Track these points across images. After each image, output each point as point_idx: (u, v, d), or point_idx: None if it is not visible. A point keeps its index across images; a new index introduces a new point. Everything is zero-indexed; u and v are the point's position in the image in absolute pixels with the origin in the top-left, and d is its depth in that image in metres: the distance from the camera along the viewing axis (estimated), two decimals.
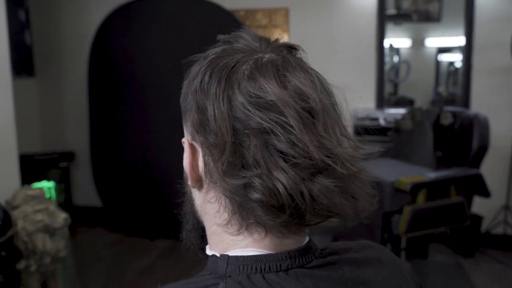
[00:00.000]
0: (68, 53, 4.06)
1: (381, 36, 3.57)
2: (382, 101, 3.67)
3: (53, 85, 4.16)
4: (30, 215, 2.04)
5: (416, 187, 2.12)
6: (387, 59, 4.01)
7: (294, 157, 0.48)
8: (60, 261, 2.20)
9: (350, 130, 0.57)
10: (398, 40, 4.31)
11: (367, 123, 3.44)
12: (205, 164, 0.53)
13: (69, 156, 4.07)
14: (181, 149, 0.56)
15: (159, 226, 3.61)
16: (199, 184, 0.55)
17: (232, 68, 0.51)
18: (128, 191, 3.74)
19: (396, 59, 4.43)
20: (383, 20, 3.56)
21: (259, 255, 0.52)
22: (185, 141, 0.55)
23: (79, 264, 3.41)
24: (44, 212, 2.07)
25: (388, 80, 4.16)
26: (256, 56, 0.52)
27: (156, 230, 3.64)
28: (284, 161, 0.48)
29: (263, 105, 0.49)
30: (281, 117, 0.48)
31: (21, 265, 2.06)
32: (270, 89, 0.49)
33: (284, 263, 0.52)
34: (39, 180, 3.84)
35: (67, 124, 4.21)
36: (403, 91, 4.37)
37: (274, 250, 0.52)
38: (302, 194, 0.48)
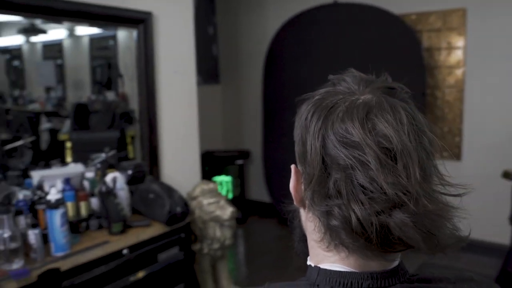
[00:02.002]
0: (247, 62, 4.49)
1: None
2: None
3: (234, 91, 4.65)
4: (205, 206, 2.38)
5: None
6: None
7: (371, 192, 0.53)
8: (227, 248, 2.50)
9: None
10: None
11: None
12: (304, 189, 0.62)
13: (245, 155, 4.50)
14: None
15: None
16: (302, 204, 0.63)
17: (329, 109, 0.57)
18: None
19: None
20: None
21: (344, 271, 0.57)
22: (292, 167, 0.65)
23: (246, 252, 3.76)
24: (216, 204, 2.38)
25: None
26: (352, 98, 0.57)
27: None
28: (364, 194, 0.53)
29: (349, 144, 0.53)
30: (362, 156, 0.52)
31: (196, 246, 2.41)
32: (355, 131, 0.54)
33: (365, 282, 0.56)
34: (219, 174, 4.35)
35: (244, 126, 4.66)
36: None
37: (358, 270, 0.57)
38: (372, 225, 0.53)
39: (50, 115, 3.00)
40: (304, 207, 0.62)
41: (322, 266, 0.59)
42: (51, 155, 2.79)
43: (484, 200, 3.39)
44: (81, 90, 3.38)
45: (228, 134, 4.75)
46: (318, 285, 0.58)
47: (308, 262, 0.64)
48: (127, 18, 2.33)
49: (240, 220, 4.26)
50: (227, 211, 2.35)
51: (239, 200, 4.38)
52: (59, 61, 3.14)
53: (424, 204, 0.52)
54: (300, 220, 0.68)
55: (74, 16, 2.14)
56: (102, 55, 3.25)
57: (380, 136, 0.53)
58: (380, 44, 3.48)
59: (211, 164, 4.32)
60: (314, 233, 0.61)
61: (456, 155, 3.57)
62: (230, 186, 4.37)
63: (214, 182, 2.55)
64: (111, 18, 2.28)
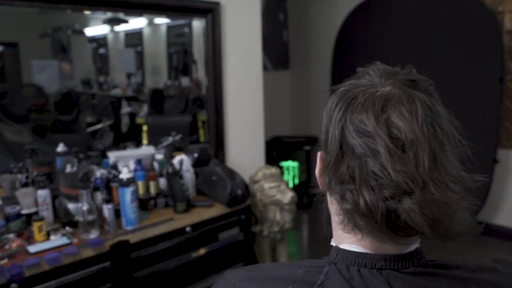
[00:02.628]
0: (316, 48, 4.48)
1: None
2: None
3: (304, 77, 4.66)
4: (266, 190, 2.46)
5: None
6: None
7: (381, 178, 0.56)
8: (286, 231, 2.57)
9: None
10: None
11: None
12: (323, 173, 0.66)
13: (313, 141, 4.52)
14: None
15: None
16: (326, 188, 0.69)
17: (350, 101, 0.61)
18: None
19: None
20: None
21: (359, 252, 0.61)
22: (319, 154, 0.69)
23: (310, 237, 3.82)
24: (277, 188, 2.46)
25: None
26: (372, 90, 0.60)
27: None
28: (375, 180, 0.57)
29: (364, 133, 0.57)
30: (374, 145, 0.56)
31: (256, 228, 2.52)
32: (369, 122, 0.57)
33: (378, 263, 0.60)
34: (286, 159, 4.42)
35: (313, 112, 4.67)
36: None
37: (373, 251, 0.60)
38: (379, 209, 0.56)
39: (130, 99, 3.23)
40: (327, 191, 0.67)
41: (341, 246, 0.64)
42: (130, 137, 3.03)
43: None
44: (158, 76, 3.58)
45: (296, 120, 4.79)
46: (336, 264, 0.62)
47: (331, 243, 0.69)
48: (196, 8, 2.45)
49: (305, 205, 4.31)
50: (287, 196, 2.42)
51: (305, 185, 4.42)
52: (138, 49, 3.36)
53: (431, 192, 0.54)
54: (326, 204, 0.72)
55: (149, 9, 2.30)
56: (178, 42, 3.41)
57: (393, 127, 0.56)
58: (455, 28, 3.31)
59: (279, 149, 4.40)
60: (335, 215, 0.66)
61: None
62: (296, 171, 4.43)
63: (276, 167, 2.62)
64: (182, 9, 2.41)
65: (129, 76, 3.36)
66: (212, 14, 2.47)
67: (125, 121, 3.21)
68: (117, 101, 3.23)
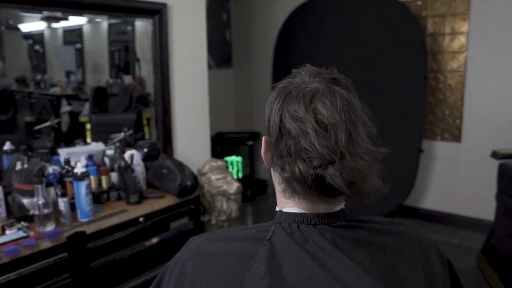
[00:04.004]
0: (258, 47, 4.69)
1: None
2: None
3: (246, 74, 4.86)
4: (213, 181, 2.63)
5: None
6: None
7: (311, 152, 0.75)
8: (233, 220, 2.76)
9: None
10: None
11: None
12: (266, 152, 0.84)
13: (255, 136, 4.72)
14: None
15: None
16: (269, 165, 0.87)
17: (287, 95, 0.78)
18: None
19: None
20: None
21: (298, 212, 0.79)
22: (263, 138, 0.88)
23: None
24: (223, 180, 2.63)
25: None
26: (302, 86, 0.78)
27: None
28: (306, 154, 0.75)
29: (297, 119, 0.75)
30: (305, 127, 0.74)
31: (204, 218, 2.68)
32: (300, 110, 0.76)
33: (313, 220, 0.78)
34: (230, 154, 4.60)
35: (255, 108, 4.88)
36: None
37: (309, 211, 0.78)
38: (310, 176, 0.75)
39: (70, 98, 3.22)
40: (270, 167, 0.85)
41: (284, 210, 0.82)
42: (71, 136, 3.04)
43: (482, 180, 3.57)
44: (99, 74, 3.58)
45: (239, 116, 4.98)
46: (280, 223, 0.80)
47: (276, 209, 0.87)
48: (144, 9, 2.56)
49: (249, 198, 4.52)
50: (233, 186, 2.60)
51: (248, 179, 4.63)
52: (78, 46, 3.34)
53: (348, 161, 0.73)
54: (271, 178, 0.89)
55: (96, 9, 2.38)
56: (120, 39, 3.43)
57: (319, 113, 0.74)
58: (384, 31, 3.65)
59: (223, 145, 4.57)
60: (278, 185, 0.83)
61: (456, 137, 3.74)
62: (240, 166, 4.62)
63: (222, 159, 2.79)
64: (129, 9, 2.52)
65: (68, 74, 3.33)
66: (159, 15, 2.60)
67: (65, 120, 3.21)
68: (56, 99, 3.22)
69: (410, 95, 3.58)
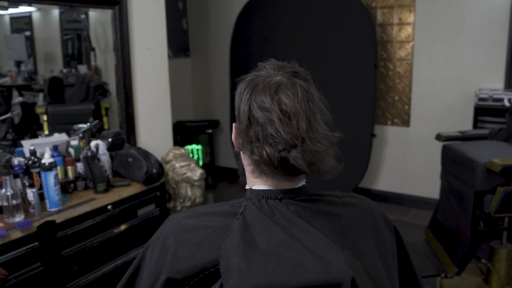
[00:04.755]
0: (215, 36, 4.76)
1: None
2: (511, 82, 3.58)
3: (204, 63, 4.93)
4: (177, 169, 2.72)
5: (507, 170, 2.23)
6: None
7: (276, 138, 0.85)
8: (197, 205, 2.86)
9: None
10: None
11: (490, 103, 3.44)
12: (237, 137, 0.96)
13: (215, 124, 4.82)
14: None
15: None
16: (239, 149, 0.99)
17: (254, 87, 0.89)
18: None
19: None
20: None
21: (266, 189, 0.91)
22: (234, 124, 0.99)
23: None
24: (187, 167, 2.73)
25: None
26: (268, 79, 0.89)
27: None
28: (272, 139, 0.85)
29: (263, 108, 0.86)
30: (271, 116, 0.85)
31: (170, 204, 2.77)
32: (266, 101, 0.87)
33: (279, 195, 0.90)
34: (190, 143, 4.67)
35: (214, 96, 4.96)
36: None
37: (275, 188, 0.91)
38: (276, 158, 0.88)
39: (22, 89, 3.17)
40: (240, 150, 0.97)
41: (254, 187, 0.93)
42: (24, 128, 3.00)
43: (429, 161, 3.85)
44: (52, 63, 3.53)
45: (198, 104, 5.05)
46: (251, 199, 0.92)
47: (246, 187, 0.99)
48: (104, 0, 2.58)
49: (210, 185, 4.62)
50: (197, 172, 2.70)
51: (209, 167, 4.73)
52: (27, 33, 3.27)
53: (307, 144, 0.85)
54: (241, 161, 1.01)
55: (56, 1, 2.38)
56: (73, 27, 3.41)
57: (283, 103, 0.85)
58: (336, 22, 3.82)
59: (183, 134, 4.63)
60: (247, 166, 0.95)
61: (405, 122, 4.00)
62: (200, 154, 4.71)
63: (185, 148, 2.88)
64: (89, 0, 2.53)
65: (18, 63, 3.28)
66: (119, 5, 2.63)
67: (17, 111, 3.16)
68: (6, 90, 3.16)
69: (362, 83, 3.79)
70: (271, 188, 0.91)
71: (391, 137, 4.11)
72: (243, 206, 0.91)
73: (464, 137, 2.81)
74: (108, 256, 2.24)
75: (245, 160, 0.96)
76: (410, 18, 3.84)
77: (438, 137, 2.82)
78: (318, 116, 0.90)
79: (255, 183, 0.93)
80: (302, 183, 0.94)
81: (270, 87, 0.87)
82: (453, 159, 2.61)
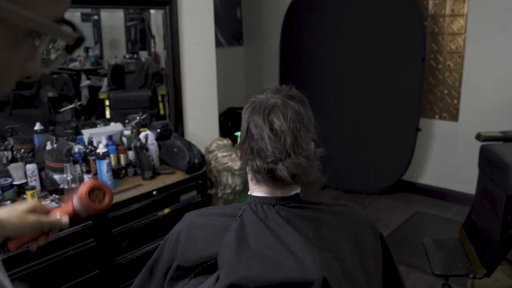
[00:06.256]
0: (268, 25, 4.92)
1: None
2: None
3: (256, 52, 5.11)
4: (219, 158, 2.95)
5: None
6: None
7: (266, 151, 1.01)
8: (237, 193, 3.10)
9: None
10: None
11: None
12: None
13: None
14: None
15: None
16: (240, 159, 1.17)
17: (253, 108, 1.07)
18: None
19: None
20: None
21: (262, 196, 1.08)
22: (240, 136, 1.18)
23: None
24: (228, 157, 2.96)
25: None
26: (265, 101, 1.05)
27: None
28: (264, 153, 1.02)
29: (258, 126, 1.02)
30: (262, 133, 1.02)
31: (211, 191, 3.02)
32: (259, 120, 1.04)
33: (272, 202, 1.07)
34: (240, 129, 4.91)
35: (264, 83, 5.14)
36: None
37: (270, 195, 1.07)
38: (264, 169, 1.04)
39: (89, 73, 3.51)
40: (241, 160, 1.14)
41: (253, 194, 1.11)
42: (91, 111, 3.33)
43: (476, 158, 3.81)
44: (116, 49, 3.85)
45: (249, 92, 5.26)
46: (249, 204, 1.10)
47: (248, 193, 1.18)
48: (156, 0, 2.83)
49: None
50: (237, 163, 2.92)
51: None
52: (95, 18, 3.55)
53: (292, 158, 1.00)
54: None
55: (112, 3, 2.66)
56: (136, 16, 3.70)
57: (273, 123, 1.01)
58: (385, 13, 3.84)
59: (233, 120, 4.87)
60: (248, 174, 1.12)
61: (454, 116, 3.97)
62: None
63: (228, 139, 3.11)
64: (143, 2, 2.79)
65: (87, 49, 3.61)
66: (170, 6, 2.87)
67: (84, 94, 3.50)
68: (75, 74, 3.49)
69: (409, 77, 3.80)
70: (267, 195, 1.08)
71: (438, 131, 4.10)
72: (242, 210, 1.09)
73: (505, 138, 2.81)
74: (152, 235, 2.54)
75: (248, 169, 1.14)
76: (463, 9, 3.77)
77: (478, 137, 2.84)
78: (303, 134, 1.05)
79: (254, 190, 1.11)
80: (295, 191, 1.10)
81: (265, 108, 1.03)
82: (488, 161, 2.63)
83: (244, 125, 1.06)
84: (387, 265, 1.20)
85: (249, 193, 1.14)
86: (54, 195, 2.26)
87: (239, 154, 1.11)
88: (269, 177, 1.02)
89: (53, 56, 0.53)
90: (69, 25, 0.47)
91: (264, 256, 0.97)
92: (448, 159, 4.08)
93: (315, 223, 1.06)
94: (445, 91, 3.98)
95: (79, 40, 0.48)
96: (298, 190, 1.10)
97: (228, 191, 2.98)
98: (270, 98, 1.05)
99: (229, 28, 4.85)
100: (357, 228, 1.12)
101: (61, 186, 2.25)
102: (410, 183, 4.29)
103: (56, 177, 2.26)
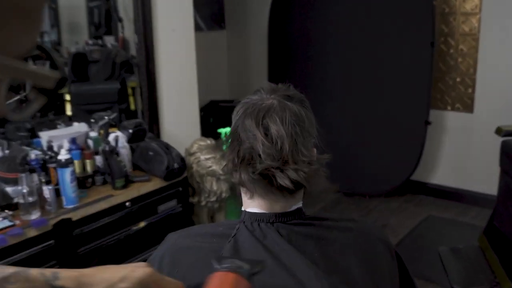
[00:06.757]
0: (252, 8, 4.84)
1: None
2: None
3: (241, 37, 5.03)
4: (202, 161, 2.88)
5: None
6: None
7: (258, 159, 0.96)
8: (223, 200, 3.02)
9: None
10: None
11: None
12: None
13: None
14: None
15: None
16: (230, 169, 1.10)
17: (245, 110, 1.02)
18: None
19: None
20: None
21: (258, 212, 1.03)
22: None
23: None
24: (212, 159, 2.88)
25: None
26: (259, 103, 1.01)
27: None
28: (254, 160, 0.96)
29: (249, 131, 0.98)
30: (254, 139, 0.97)
31: (194, 199, 2.94)
32: (252, 125, 0.98)
33: (271, 219, 1.02)
34: (224, 125, 4.82)
35: (251, 73, 5.07)
36: None
37: (268, 211, 1.02)
38: (253, 180, 0.97)
39: (36, 58, 3.29)
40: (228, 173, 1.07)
41: (247, 210, 1.06)
42: (47, 106, 3.18)
43: (496, 153, 3.79)
44: (77, 34, 3.72)
45: (234, 82, 5.18)
46: (244, 222, 1.04)
47: (242, 209, 1.11)
48: None
49: None
50: (223, 165, 2.85)
51: None
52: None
53: (290, 165, 0.96)
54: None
55: None
56: None
57: (268, 127, 0.97)
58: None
59: (216, 115, 4.78)
60: (242, 188, 1.06)
61: (468, 107, 3.94)
62: None
63: (211, 138, 3.03)
64: None
65: (41, 34, 3.48)
66: None
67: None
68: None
69: (417, 64, 3.77)
70: (263, 211, 1.03)
71: (451, 124, 4.07)
72: (236, 229, 1.04)
73: None
74: (125, 254, 2.45)
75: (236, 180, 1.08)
76: (475, 2, 3.74)
77: (498, 131, 2.81)
78: (304, 139, 1.01)
79: (249, 205, 1.06)
80: (296, 205, 1.05)
81: (260, 111, 0.99)
82: (511, 158, 2.60)
83: (232, 130, 1.02)
84: (405, 285, 1.17)
85: (242, 208, 1.09)
86: (6, 211, 2.15)
87: (223, 163, 1.08)
88: (267, 187, 0.99)
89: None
90: (43, 51, 0.40)
91: (265, 283, 0.93)
92: (462, 155, 4.06)
93: (321, 242, 1.03)
94: (458, 79, 3.95)
95: (63, 80, 0.40)
96: (300, 205, 1.06)
97: (213, 198, 2.91)
98: (265, 99, 1.02)
99: (209, 9, 4.76)
100: (369, 246, 1.08)
101: (15, 200, 2.15)
102: (420, 183, 4.26)
103: (9, 189, 2.16)
